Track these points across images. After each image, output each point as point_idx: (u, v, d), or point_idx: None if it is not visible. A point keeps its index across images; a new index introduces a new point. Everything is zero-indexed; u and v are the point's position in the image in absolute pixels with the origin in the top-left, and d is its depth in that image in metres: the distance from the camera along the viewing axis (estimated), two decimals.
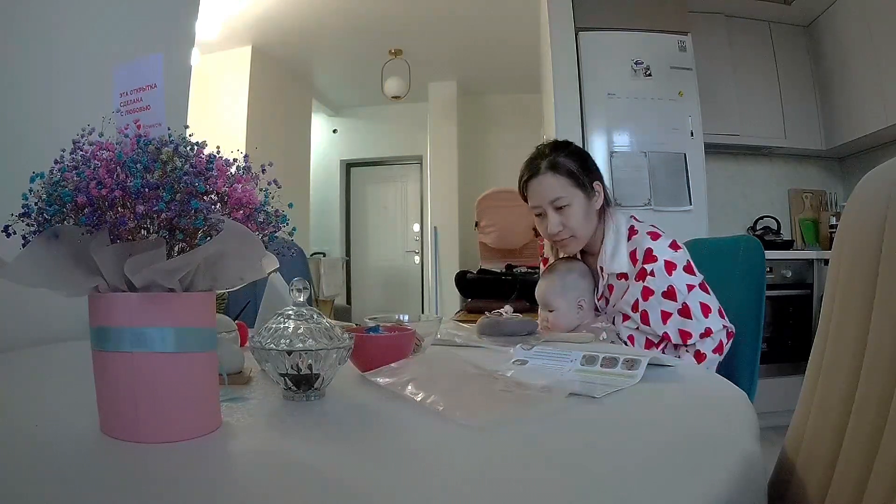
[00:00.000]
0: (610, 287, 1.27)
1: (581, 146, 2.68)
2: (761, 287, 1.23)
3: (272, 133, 4.51)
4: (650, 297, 1.18)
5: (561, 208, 1.22)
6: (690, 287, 1.16)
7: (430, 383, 0.65)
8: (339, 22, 3.89)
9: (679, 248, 1.21)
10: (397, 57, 4.42)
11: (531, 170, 1.26)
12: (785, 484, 0.56)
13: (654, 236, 1.21)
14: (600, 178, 1.29)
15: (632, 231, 1.24)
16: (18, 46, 1.13)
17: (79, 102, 1.07)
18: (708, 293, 1.18)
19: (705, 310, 1.15)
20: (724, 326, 1.17)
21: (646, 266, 1.19)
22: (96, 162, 0.48)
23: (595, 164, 1.30)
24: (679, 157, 2.73)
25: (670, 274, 1.17)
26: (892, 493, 0.41)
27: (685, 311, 1.15)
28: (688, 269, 1.18)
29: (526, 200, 1.29)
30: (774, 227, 3.19)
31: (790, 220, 3.37)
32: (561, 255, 1.36)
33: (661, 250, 1.19)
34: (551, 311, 1.27)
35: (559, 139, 1.34)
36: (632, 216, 1.30)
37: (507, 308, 1.23)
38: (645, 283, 1.19)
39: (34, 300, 0.75)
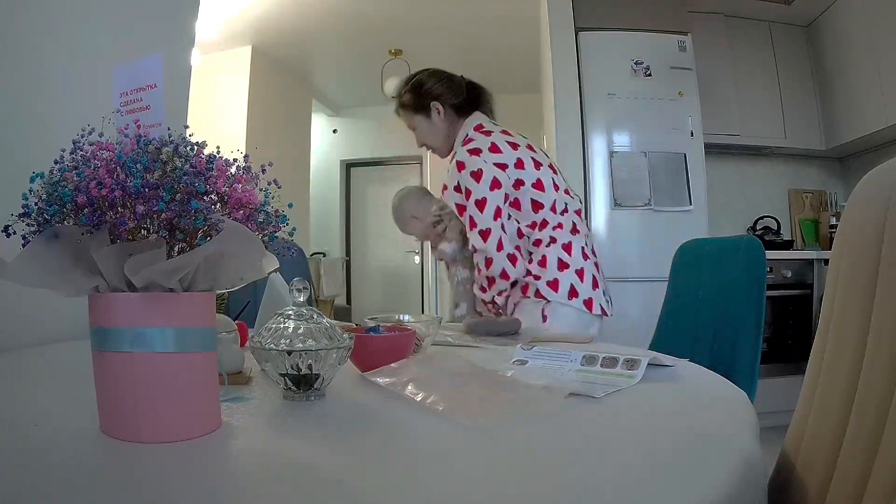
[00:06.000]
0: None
1: (581, 146, 2.71)
2: (761, 287, 1.23)
3: (272, 133, 4.51)
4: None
5: (414, 130, 1.57)
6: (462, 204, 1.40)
7: (430, 383, 0.65)
8: (339, 22, 3.89)
9: (478, 153, 1.40)
10: (397, 57, 4.42)
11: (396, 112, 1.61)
12: (785, 484, 0.56)
13: (469, 146, 1.42)
14: (437, 97, 1.53)
15: (466, 141, 1.45)
16: (18, 46, 1.13)
17: (79, 102, 1.07)
18: (481, 213, 1.38)
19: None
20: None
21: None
22: (96, 162, 0.48)
23: (432, 87, 1.54)
24: (679, 157, 2.73)
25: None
26: (892, 493, 0.41)
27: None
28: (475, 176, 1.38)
29: None
30: (774, 227, 3.19)
31: (790, 220, 3.37)
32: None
33: (461, 154, 1.41)
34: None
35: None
36: (479, 124, 1.49)
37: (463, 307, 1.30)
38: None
39: (34, 300, 0.74)
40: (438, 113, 1.52)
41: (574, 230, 1.43)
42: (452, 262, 1.54)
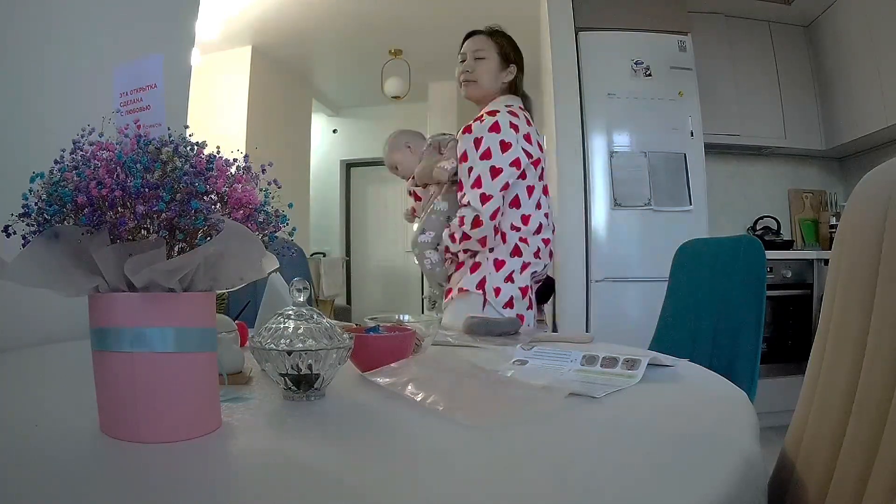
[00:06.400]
0: None
1: (581, 146, 2.71)
2: (761, 287, 1.23)
3: (272, 133, 4.51)
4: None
5: (479, 59, 1.56)
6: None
7: (430, 383, 0.65)
8: (339, 22, 3.89)
9: (516, 129, 1.45)
10: (397, 57, 4.42)
11: (474, 31, 1.63)
12: (785, 484, 0.56)
13: (511, 118, 1.46)
14: (519, 67, 1.59)
15: (511, 112, 1.49)
16: (18, 46, 1.13)
17: (79, 102, 1.07)
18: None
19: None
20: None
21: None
22: (96, 162, 0.48)
23: (521, 59, 1.61)
24: (679, 157, 2.73)
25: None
26: (891, 493, 0.41)
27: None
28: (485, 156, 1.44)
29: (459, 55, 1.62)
30: (774, 227, 3.19)
31: (790, 220, 3.37)
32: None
33: (503, 118, 1.46)
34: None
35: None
36: (513, 107, 1.53)
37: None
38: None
39: (34, 300, 0.74)
40: (510, 73, 1.58)
41: (537, 254, 1.51)
42: (444, 183, 1.59)
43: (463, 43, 1.64)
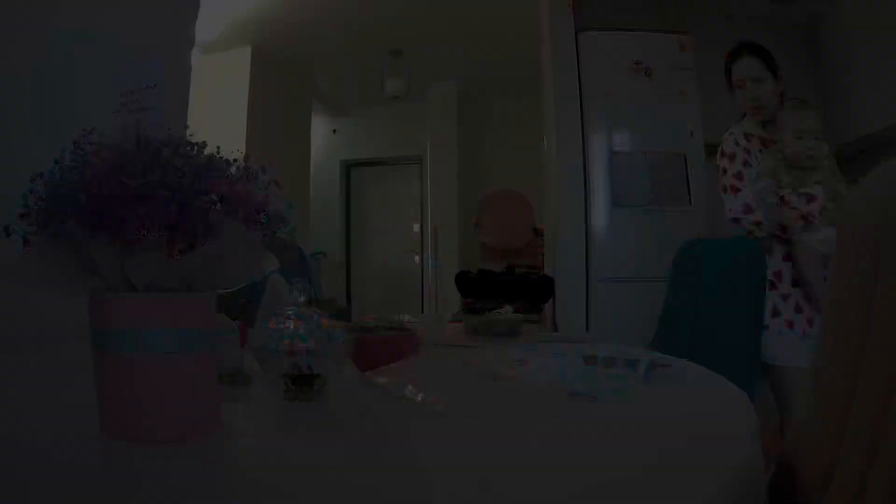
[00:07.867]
0: None
1: (581, 147, 2.71)
2: (761, 287, 1.23)
3: (272, 133, 4.50)
4: None
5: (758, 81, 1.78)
6: None
7: (430, 383, 0.65)
8: (339, 22, 3.89)
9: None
10: (397, 57, 4.42)
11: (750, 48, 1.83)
12: (785, 484, 0.56)
13: None
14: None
15: None
16: (18, 46, 1.13)
17: (79, 102, 1.07)
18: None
19: None
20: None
21: None
22: (96, 162, 0.48)
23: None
24: (679, 157, 2.73)
25: None
26: (892, 493, 0.41)
27: None
28: None
29: (730, 79, 1.87)
30: None
31: None
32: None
33: None
34: None
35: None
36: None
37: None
38: None
39: (34, 300, 0.74)
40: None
41: None
42: None
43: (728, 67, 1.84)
